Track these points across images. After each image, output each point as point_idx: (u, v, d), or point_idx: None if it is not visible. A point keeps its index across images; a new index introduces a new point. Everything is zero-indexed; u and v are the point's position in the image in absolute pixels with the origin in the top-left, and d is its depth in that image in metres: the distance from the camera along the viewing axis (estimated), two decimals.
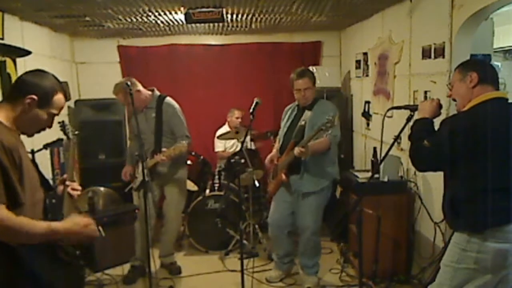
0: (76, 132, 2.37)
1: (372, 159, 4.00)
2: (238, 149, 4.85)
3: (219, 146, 5.26)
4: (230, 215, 4.28)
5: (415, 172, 3.66)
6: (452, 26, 3.10)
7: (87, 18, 4.26)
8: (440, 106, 2.32)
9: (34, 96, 1.79)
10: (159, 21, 4.54)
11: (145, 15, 4.18)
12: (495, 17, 3.60)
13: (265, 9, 4.14)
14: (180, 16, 4.25)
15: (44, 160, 4.14)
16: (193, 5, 3.89)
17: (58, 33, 5.00)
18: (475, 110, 2.12)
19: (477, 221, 2.06)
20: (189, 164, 4.63)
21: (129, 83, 3.36)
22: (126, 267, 3.90)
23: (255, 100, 3.19)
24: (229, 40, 5.75)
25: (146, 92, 3.75)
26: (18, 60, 3.79)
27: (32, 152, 3.37)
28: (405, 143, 3.70)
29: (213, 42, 5.78)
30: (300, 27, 5.28)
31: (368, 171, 4.15)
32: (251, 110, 3.17)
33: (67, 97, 1.95)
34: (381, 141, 2.62)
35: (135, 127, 3.75)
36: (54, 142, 3.53)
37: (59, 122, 2.36)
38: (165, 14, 4.16)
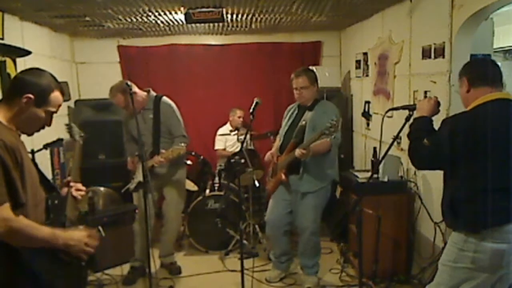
0: (82, 134, 2.38)
1: (372, 159, 4.01)
2: (238, 149, 4.85)
3: (220, 144, 5.28)
4: (230, 215, 4.28)
5: (415, 172, 3.66)
6: (452, 26, 3.10)
7: (87, 18, 4.26)
8: (438, 104, 2.33)
9: (31, 95, 1.79)
10: (159, 21, 4.54)
11: (145, 15, 4.18)
12: (495, 17, 3.60)
13: (265, 9, 4.14)
14: (180, 16, 4.25)
15: (44, 160, 4.14)
16: (193, 5, 3.89)
17: (58, 33, 5.00)
18: (476, 110, 2.13)
19: (475, 221, 2.06)
20: (189, 164, 4.63)
21: (129, 83, 3.36)
22: (126, 267, 3.90)
23: (255, 100, 3.19)
24: (229, 40, 5.75)
25: (142, 93, 3.73)
26: (18, 60, 3.79)
27: (32, 152, 3.37)
28: (405, 143, 3.68)
29: (213, 42, 5.78)
30: (300, 27, 5.28)
31: (368, 171, 4.15)
32: (251, 110, 3.18)
33: (64, 94, 1.94)
34: (380, 141, 2.62)
35: (133, 129, 3.75)
36: (54, 142, 3.53)
37: (66, 124, 2.36)
38: (165, 14, 4.16)
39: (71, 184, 2.08)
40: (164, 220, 3.97)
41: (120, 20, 4.38)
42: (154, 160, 3.55)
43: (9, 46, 3.65)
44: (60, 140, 3.57)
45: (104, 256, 3.93)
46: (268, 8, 4.08)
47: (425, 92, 3.45)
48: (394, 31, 4.08)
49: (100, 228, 3.89)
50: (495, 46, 3.84)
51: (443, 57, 3.20)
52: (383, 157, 2.54)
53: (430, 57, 3.38)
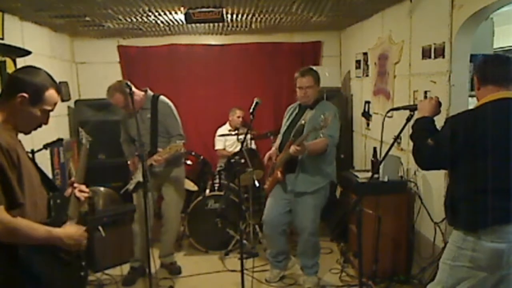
0: (90, 139, 2.38)
1: (372, 159, 4.01)
2: (238, 149, 4.86)
3: (219, 144, 5.28)
4: (230, 215, 4.28)
5: (415, 172, 3.66)
6: (452, 26, 3.10)
7: (87, 18, 4.26)
8: (439, 104, 2.32)
9: (25, 94, 1.77)
10: (159, 21, 4.54)
11: (145, 15, 4.18)
12: (495, 17, 3.60)
13: (265, 9, 4.14)
14: (180, 16, 4.25)
15: (44, 160, 4.14)
16: (193, 5, 3.89)
17: (58, 33, 5.00)
18: (477, 110, 2.14)
19: (474, 220, 2.07)
20: (189, 164, 4.64)
21: (129, 83, 3.35)
22: (126, 267, 3.90)
23: (255, 100, 3.19)
24: (229, 40, 5.75)
25: (139, 93, 3.72)
26: (18, 60, 3.79)
27: (32, 152, 3.37)
28: (405, 143, 3.70)
29: (213, 42, 5.78)
30: (300, 27, 5.28)
31: (368, 171, 4.15)
32: (251, 110, 3.17)
33: (60, 92, 1.93)
34: (381, 141, 2.62)
35: (131, 129, 3.75)
36: (54, 142, 3.53)
37: (72, 130, 2.36)
38: (165, 14, 4.16)
39: (75, 185, 2.08)
40: (163, 220, 3.97)
41: (120, 20, 4.38)
42: (152, 159, 3.54)
43: (9, 46, 3.65)
44: (60, 140, 3.57)
45: (104, 256, 3.96)
46: (268, 8, 4.08)
47: (425, 92, 3.45)
48: (394, 31, 4.08)
49: (100, 228, 3.93)
50: (495, 46, 3.85)
51: (443, 57, 3.20)
52: (383, 158, 2.54)
53: (430, 57, 3.38)
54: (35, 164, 1.94)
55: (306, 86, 3.42)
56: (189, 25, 4.75)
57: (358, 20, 4.97)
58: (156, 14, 4.15)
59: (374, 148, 3.98)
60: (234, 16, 4.41)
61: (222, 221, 4.31)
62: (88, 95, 5.46)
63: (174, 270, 4.00)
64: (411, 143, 2.32)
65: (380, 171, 3.70)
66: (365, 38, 4.84)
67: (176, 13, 4.13)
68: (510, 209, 2.03)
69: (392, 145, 2.43)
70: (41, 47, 4.47)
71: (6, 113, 1.79)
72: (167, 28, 5.02)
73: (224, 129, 5.28)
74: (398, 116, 3.50)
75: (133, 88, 3.64)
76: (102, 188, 4.61)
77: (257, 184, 4.27)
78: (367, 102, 4.78)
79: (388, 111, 2.75)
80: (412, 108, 2.41)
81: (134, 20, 4.41)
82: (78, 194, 2.07)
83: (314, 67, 4.48)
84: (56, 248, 1.84)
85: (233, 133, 4.97)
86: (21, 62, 3.82)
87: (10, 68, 3.67)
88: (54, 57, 4.85)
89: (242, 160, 3.58)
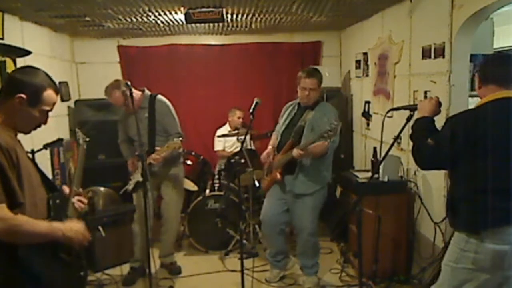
0: (87, 139, 2.38)
1: (372, 159, 4.01)
2: (238, 149, 4.86)
3: (219, 145, 5.28)
4: (230, 215, 4.28)
5: (415, 172, 3.66)
6: (452, 26, 3.10)
7: (87, 18, 4.26)
8: (439, 104, 2.32)
9: (23, 95, 1.77)
10: (159, 21, 4.54)
11: (145, 15, 4.18)
12: (495, 17, 3.60)
13: (265, 9, 4.14)
14: (180, 16, 4.25)
15: (44, 160, 4.14)
16: (193, 5, 3.89)
17: (58, 33, 5.00)
18: (477, 109, 2.12)
19: (475, 221, 2.06)
20: (189, 164, 4.64)
21: (128, 83, 3.35)
22: (126, 267, 3.90)
23: (255, 100, 3.18)
24: (229, 40, 5.75)
25: (137, 92, 3.71)
26: (18, 60, 3.79)
27: (32, 152, 3.37)
28: (405, 143, 3.70)
29: (213, 42, 5.78)
30: (300, 27, 5.28)
31: (368, 171, 4.15)
32: (251, 110, 3.17)
33: (58, 93, 1.93)
34: (381, 142, 2.62)
35: (130, 129, 3.75)
36: (54, 142, 3.53)
37: (71, 130, 2.36)
38: (165, 14, 4.16)
39: (73, 194, 2.09)
40: (163, 220, 3.97)
41: (120, 20, 4.38)
42: (150, 158, 3.52)
43: (9, 46, 3.65)
44: (60, 140, 3.57)
45: (104, 256, 3.96)
46: (268, 8, 4.08)
47: (425, 92, 3.45)
48: (394, 31, 4.08)
49: (100, 228, 3.93)
50: (495, 46, 3.84)
51: (443, 57, 3.20)
52: (383, 158, 2.54)
53: (430, 57, 3.38)
54: (35, 164, 1.94)
55: (309, 88, 3.38)
56: (189, 25, 4.75)
57: (358, 20, 4.97)
58: (156, 14, 4.15)
59: (374, 148, 3.98)
60: (234, 16, 4.41)
61: (222, 221, 4.31)
62: (88, 95, 5.46)
63: (174, 270, 4.00)
64: (411, 143, 2.31)
65: (380, 171, 3.70)
66: (365, 38, 4.84)
67: (176, 13, 4.13)
68: (511, 210, 2.02)
69: (392, 145, 2.43)
70: (41, 47, 4.47)
71: (5, 114, 1.79)
72: (167, 28, 5.02)
73: (224, 129, 5.28)
74: (398, 116, 3.50)
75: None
76: (102, 188, 4.61)
77: (257, 184, 4.27)
78: (367, 102, 4.78)
79: (388, 111, 2.75)
80: (412, 108, 2.41)
81: (134, 20, 4.41)
82: (76, 204, 2.08)
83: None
84: (56, 248, 1.84)
85: (232, 133, 4.97)
86: (21, 62, 3.82)
87: (10, 68, 3.67)
88: (54, 57, 4.85)
89: (242, 160, 3.57)
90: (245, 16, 4.44)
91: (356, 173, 4.06)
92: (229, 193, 4.40)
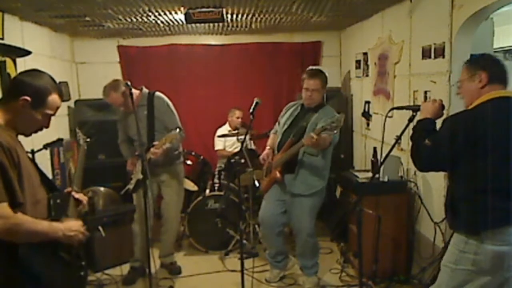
0: (88, 140, 2.38)
1: (372, 159, 4.01)
2: (238, 149, 4.86)
3: (219, 144, 5.28)
4: (230, 215, 4.27)
5: (415, 172, 3.66)
6: (452, 26, 3.10)
7: (87, 18, 4.26)
8: (442, 107, 2.29)
9: (27, 98, 1.78)
10: (159, 21, 4.54)
11: (145, 15, 4.18)
12: (495, 17, 3.60)
13: (265, 9, 4.14)
14: (180, 16, 4.25)
15: (44, 160, 4.14)
16: (193, 5, 3.89)
17: (58, 33, 5.00)
18: (476, 109, 2.10)
19: (475, 222, 2.05)
20: (189, 164, 4.63)
21: (128, 83, 3.35)
22: (126, 267, 3.90)
23: (255, 100, 3.18)
24: (229, 40, 5.75)
25: (135, 91, 3.68)
26: (18, 60, 3.79)
27: (32, 152, 3.37)
28: (405, 143, 3.70)
29: (213, 42, 5.78)
30: (300, 27, 5.28)
31: (368, 171, 4.15)
32: (251, 110, 3.17)
33: (62, 97, 1.94)
34: (382, 142, 2.62)
35: (129, 129, 3.75)
36: (54, 142, 3.53)
37: (71, 130, 2.37)
38: (165, 14, 4.16)
39: (73, 193, 2.09)
40: (163, 220, 3.97)
41: (120, 20, 4.38)
42: (150, 152, 3.48)
43: (9, 46, 3.65)
44: (60, 140, 3.57)
45: (104, 256, 3.96)
46: (268, 8, 4.08)
47: (425, 92, 3.45)
48: (394, 31, 4.08)
49: (100, 228, 3.93)
50: (495, 46, 3.84)
51: (443, 57, 3.20)
52: (385, 158, 2.52)
53: (430, 57, 3.38)
54: (35, 165, 1.94)
55: (312, 89, 3.37)
56: (189, 25, 4.75)
57: (358, 20, 4.97)
58: (156, 14, 4.15)
59: (374, 148, 3.98)
60: (234, 16, 4.41)
61: (222, 221, 4.31)
62: (88, 95, 5.46)
63: (174, 270, 4.00)
64: (411, 144, 2.31)
65: (380, 171, 3.70)
66: (365, 38, 4.85)
67: (176, 13, 4.13)
68: (511, 210, 2.01)
69: (393, 145, 2.42)
70: (41, 47, 4.47)
71: (8, 115, 1.80)
72: (167, 28, 5.03)
73: (224, 129, 5.28)
74: (398, 116, 3.50)
75: None
76: (102, 188, 4.61)
77: (257, 184, 4.27)
78: (367, 102, 4.78)
79: (391, 109, 2.71)
80: (415, 109, 2.39)
81: (134, 20, 4.41)
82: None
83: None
84: (56, 247, 1.84)
85: (232, 133, 4.97)
86: (21, 62, 3.82)
87: (10, 68, 3.67)
88: (54, 57, 4.85)
89: (242, 160, 3.57)
90: (245, 16, 4.44)
91: (356, 173, 4.06)
92: (229, 193, 4.40)
